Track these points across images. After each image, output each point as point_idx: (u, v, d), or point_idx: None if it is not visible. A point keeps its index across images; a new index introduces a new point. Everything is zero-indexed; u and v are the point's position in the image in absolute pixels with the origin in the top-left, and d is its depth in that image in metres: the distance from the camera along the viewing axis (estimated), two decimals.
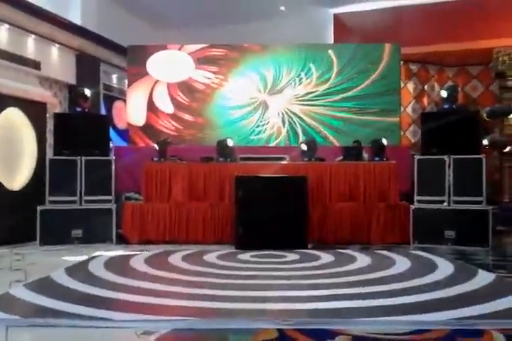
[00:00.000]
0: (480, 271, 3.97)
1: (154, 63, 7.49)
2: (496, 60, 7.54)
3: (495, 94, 8.13)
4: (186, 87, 7.51)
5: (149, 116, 7.52)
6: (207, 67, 7.51)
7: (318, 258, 4.71)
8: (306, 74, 7.43)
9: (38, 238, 5.49)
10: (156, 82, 7.51)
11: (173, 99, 7.50)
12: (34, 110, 6.23)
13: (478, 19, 7.31)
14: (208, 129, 7.45)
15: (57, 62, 6.85)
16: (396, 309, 2.90)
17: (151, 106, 7.52)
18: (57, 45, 6.80)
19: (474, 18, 7.33)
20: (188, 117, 7.49)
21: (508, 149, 7.36)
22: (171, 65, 7.49)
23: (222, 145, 6.08)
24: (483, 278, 3.71)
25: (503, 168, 7.46)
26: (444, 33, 7.46)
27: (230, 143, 6.09)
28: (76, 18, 7.04)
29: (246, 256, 4.81)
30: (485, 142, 7.16)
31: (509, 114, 7.33)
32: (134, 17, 8.33)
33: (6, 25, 5.86)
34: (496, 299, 3.02)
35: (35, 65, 6.32)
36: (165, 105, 7.51)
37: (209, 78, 7.49)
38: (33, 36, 6.32)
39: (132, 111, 7.53)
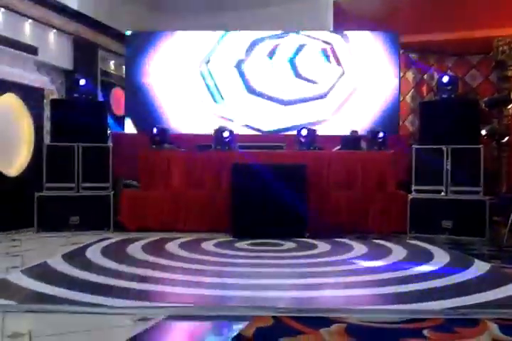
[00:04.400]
0: (476, 260, 3.99)
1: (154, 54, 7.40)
2: (496, 50, 7.49)
3: (494, 83, 8.08)
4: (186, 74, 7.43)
5: None
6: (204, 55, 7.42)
7: (315, 246, 4.72)
8: (304, 61, 7.36)
9: (35, 224, 5.49)
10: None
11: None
12: (31, 96, 6.20)
13: (479, 7, 7.22)
14: (207, 116, 7.39)
15: (55, 47, 6.78)
16: (391, 298, 2.92)
17: None
18: (54, 30, 6.72)
19: (475, 7, 7.25)
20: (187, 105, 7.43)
21: (506, 139, 7.35)
22: (170, 56, 7.40)
23: (219, 133, 6.06)
24: (479, 268, 3.73)
25: (501, 158, 7.46)
26: (444, 21, 7.38)
27: (228, 131, 6.08)
28: (73, 2, 6.95)
29: (243, 244, 4.82)
30: (483, 132, 7.14)
31: (508, 104, 7.30)
32: (132, 2, 8.22)
33: (2, 9, 5.78)
34: (491, 289, 3.04)
35: (33, 50, 6.25)
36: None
37: (206, 66, 7.42)
38: (30, 21, 6.24)
39: (131, 98, 7.45)
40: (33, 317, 2.58)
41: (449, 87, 5.72)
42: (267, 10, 8.29)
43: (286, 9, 8.23)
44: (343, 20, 8.00)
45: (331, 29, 7.96)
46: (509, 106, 7.39)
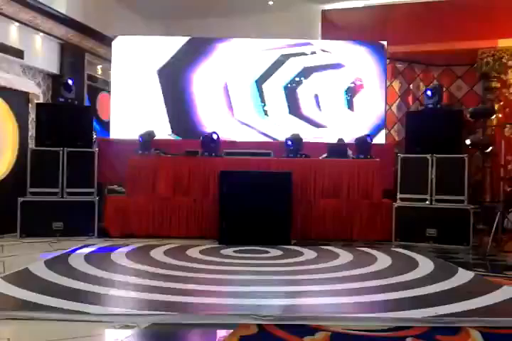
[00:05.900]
0: (460, 269, 4.02)
1: (136, 55, 7.37)
2: (480, 61, 7.62)
3: (479, 94, 8.20)
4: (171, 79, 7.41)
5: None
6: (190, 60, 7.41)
7: (300, 254, 4.72)
8: (291, 70, 7.40)
9: (18, 230, 5.41)
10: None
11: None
12: (16, 99, 6.12)
13: (464, 19, 7.36)
14: (193, 124, 7.37)
15: (41, 51, 6.72)
16: (375, 306, 2.92)
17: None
18: (41, 34, 6.67)
19: (461, 19, 7.38)
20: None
21: (490, 149, 7.44)
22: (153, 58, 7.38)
23: (207, 139, 6.04)
24: (463, 276, 3.76)
25: (485, 168, 7.55)
26: (431, 32, 7.50)
27: (215, 137, 6.07)
28: (61, 6, 6.91)
29: (229, 251, 4.80)
30: (468, 142, 7.23)
31: (492, 115, 7.41)
32: (120, 7, 8.21)
33: None
34: (474, 297, 3.06)
35: (18, 53, 6.19)
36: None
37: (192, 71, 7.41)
38: (17, 24, 6.19)
39: (117, 104, 7.41)
40: (13, 324, 2.53)
41: (434, 97, 5.79)
42: (254, 17, 8.32)
43: (273, 17, 8.28)
44: (332, 30, 8.07)
45: (319, 38, 8.02)
46: (493, 117, 7.50)
